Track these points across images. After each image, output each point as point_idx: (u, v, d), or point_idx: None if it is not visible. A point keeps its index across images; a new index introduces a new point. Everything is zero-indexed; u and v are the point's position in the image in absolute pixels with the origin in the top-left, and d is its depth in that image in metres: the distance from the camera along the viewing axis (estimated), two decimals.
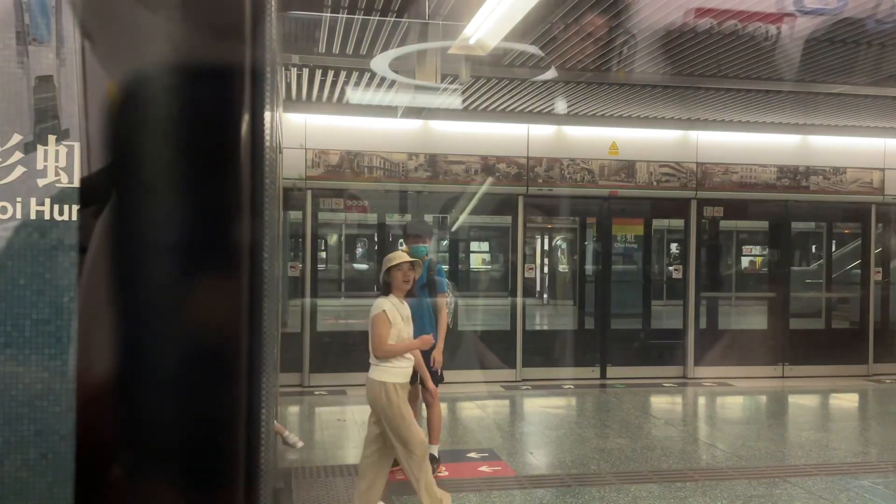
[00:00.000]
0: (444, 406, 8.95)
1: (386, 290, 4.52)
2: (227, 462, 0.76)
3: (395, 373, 4.45)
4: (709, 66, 6.91)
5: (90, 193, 0.77)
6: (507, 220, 10.13)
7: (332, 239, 13.73)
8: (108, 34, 0.73)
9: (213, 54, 0.73)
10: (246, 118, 0.75)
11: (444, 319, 5.62)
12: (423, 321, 5.36)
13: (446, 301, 5.75)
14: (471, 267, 14.62)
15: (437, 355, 5.47)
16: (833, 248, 11.79)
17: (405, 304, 4.58)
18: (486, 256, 16.00)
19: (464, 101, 8.58)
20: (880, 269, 10.98)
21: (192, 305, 0.73)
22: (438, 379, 5.62)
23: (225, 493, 0.76)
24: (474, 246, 15.33)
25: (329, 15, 5.68)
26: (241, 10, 0.75)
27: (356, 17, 5.71)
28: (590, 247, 10.95)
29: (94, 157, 0.78)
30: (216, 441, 0.76)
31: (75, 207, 1.29)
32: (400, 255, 4.59)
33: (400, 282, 4.50)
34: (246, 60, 0.75)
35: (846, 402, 9.55)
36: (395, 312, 4.46)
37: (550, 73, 7.11)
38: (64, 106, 1.28)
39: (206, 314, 0.74)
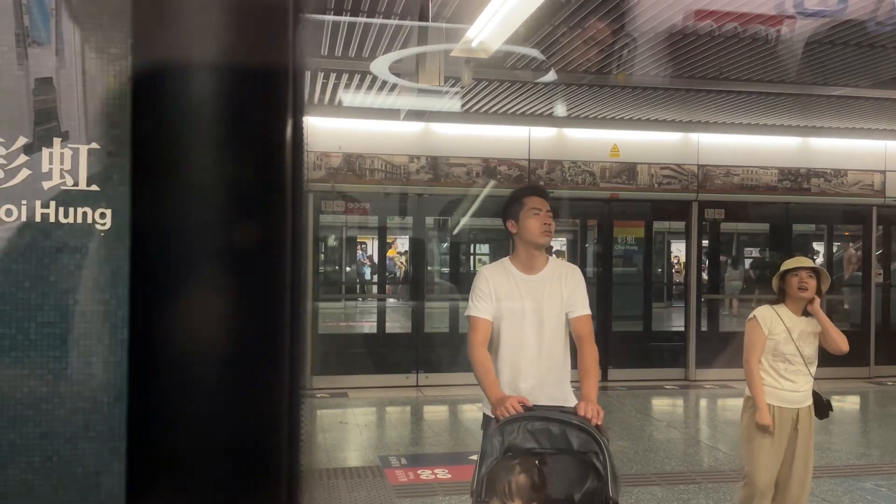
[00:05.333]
0: (446, 408, 8.97)
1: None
2: (271, 465, 0.77)
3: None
4: (710, 69, 6.92)
5: (138, 197, 0.77)
6: None
7: (332, 241, 13.72)
8: (158, 32, 0.74)
9: (262, 57, 0.75)
10: (290, 121, 0.77)
11: None
12: None
13: None
14: (472, 269, 14.61)
15: None
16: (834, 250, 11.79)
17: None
18: (488, 259, 15.98)
19: (465, 103, 8.58)
20: (881, 271, 10.96)
21: (241, 306, 0.74)
22: None
23: (269, 496, 0.76)
24: (475, 248, 15.29)
25: (332, 18, 5.68)
26: (286, 14, 0.76)
27: (359, 20, 5.71)
28: (591, 249, 10.94)
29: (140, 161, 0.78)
30: (262, 444, 0.76)
31: (80, 209, 1.29)
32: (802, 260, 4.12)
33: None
34: (290, 64, 0.76)
35: (848, 404, 9.54)
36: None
37: (551, 76, 7.11)
38: (67, 108, 1.28)
39: (253, 315, 0.75)
